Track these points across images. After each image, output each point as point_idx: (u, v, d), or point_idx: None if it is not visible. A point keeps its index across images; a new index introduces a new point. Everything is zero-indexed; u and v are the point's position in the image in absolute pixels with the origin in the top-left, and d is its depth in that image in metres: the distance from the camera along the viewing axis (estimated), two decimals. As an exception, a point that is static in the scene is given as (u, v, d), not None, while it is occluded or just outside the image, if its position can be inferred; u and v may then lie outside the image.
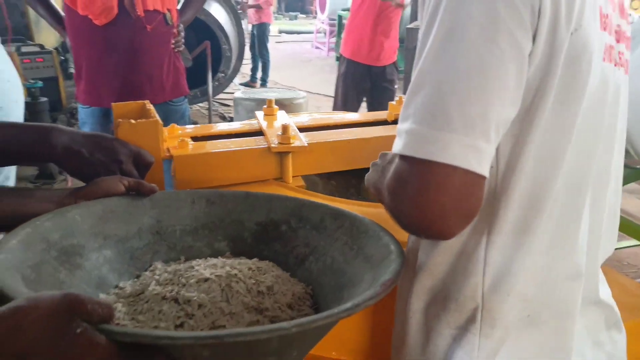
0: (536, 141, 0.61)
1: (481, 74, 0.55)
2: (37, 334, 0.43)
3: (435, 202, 0.56)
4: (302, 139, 1.13)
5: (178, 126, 1.20)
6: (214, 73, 5.00)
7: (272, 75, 7.76)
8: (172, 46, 2.10)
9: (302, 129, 1.24)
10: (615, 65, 0.70)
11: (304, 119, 1.43)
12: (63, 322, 0.44)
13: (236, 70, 5.58)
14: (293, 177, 1.13)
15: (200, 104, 5.44)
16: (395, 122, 1.34)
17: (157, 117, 1.02)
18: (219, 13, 5.02)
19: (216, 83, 5.11)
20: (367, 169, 1.24)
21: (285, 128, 1.10)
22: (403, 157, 0.58)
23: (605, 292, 0.81)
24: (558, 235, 0.66)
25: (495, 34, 0.55)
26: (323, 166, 1.18)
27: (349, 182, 1.37)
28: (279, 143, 1.10)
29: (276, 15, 8.77)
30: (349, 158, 1.19)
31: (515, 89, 0.58)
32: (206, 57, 4.70)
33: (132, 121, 0.98)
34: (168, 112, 2.15)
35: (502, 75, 0.56)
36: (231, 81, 5.70)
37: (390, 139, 1.27)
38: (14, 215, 0.73)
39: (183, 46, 2.17)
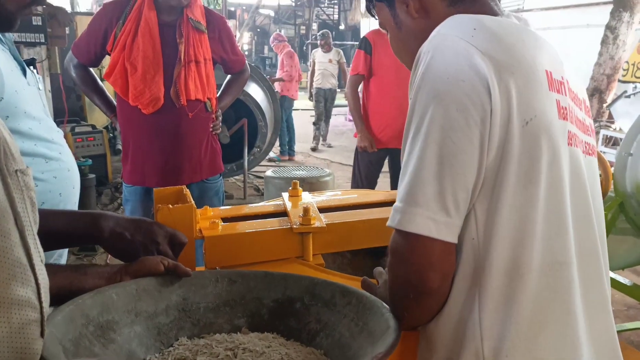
0: (505, 215, 0.73)
1: (438, 164, 0.71)
2: None
3: (412, 261, 0.73)
4: (322, 220, 1.23)
5: (210, 208, 1.33)
6: (250, 148, 5.25)
7: (305, 147, 8.02)
8: (210, 129, 2.30)
9: (323, 210, 1.35)
10: (583, 152, 0.82)
11: (327, 198, 1.54)
12: None
13: (271, 144, 5.84)
14: (313, 255, 1.22)
15: (237, 177, 5.68)
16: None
17: (192, 201, 1.15)
18: (256, 92, 5.35)
19: (252, 157, 5.36)
20: (383, 248, 1.34)
21: (306, 210, 1.21)
22: (394, 229, 0.76)
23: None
24: (544, 305, 0.74)
25: (449, 131, 0.71)
26: (342, 245, 1.27)
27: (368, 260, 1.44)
28: (301, 224, 1.20)
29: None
30: (367, 237, 1.28)
31: (469, 173, 0.72)
32: (243, 133, 4.99)
33: (170, 206, 1.10)
34: (204, 189, 2.32)
35: (455, 163, 0.71)
36: (266, 154, 5.96)
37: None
38: (71, 289, 0.84)
39: (220, 129, 2.37)
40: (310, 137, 8.29)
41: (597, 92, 6.84)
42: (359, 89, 3.46)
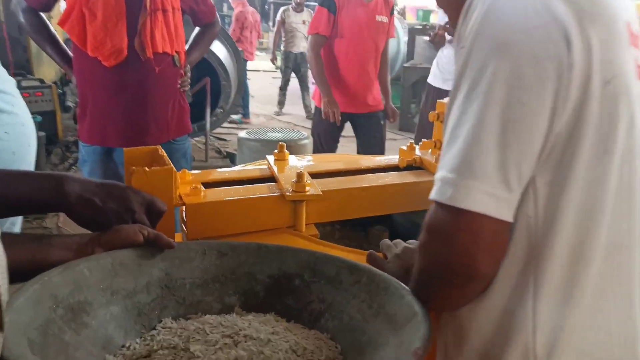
0: (575, 190, 0.62)
1: (501, 128, 0.60)
2: None
3: (460, 241, 0.61)
4: (316, 187, 1.12)
5: (189, 172, 1.19)
6: (213, 108, 5.02)
7: (270, 110, 7.81)
8: (178, 86, 2.11)
9: (314, 175, 1.23)
10: None
11: (315, 163, 1.42)
12: None
13: (235, 105, 5.62)
14: (306, 225, 1.11)
15: (197, 138, 5.45)
16: (406, 168, 1.34)
17: (171, 164, 1.01)
18: (219, 50, 5.09)
19: (214, 118, 5.13)
20: (380, 217, 1.21)
21: (300, 176, 1.09)
22: (436, 202, 0.64)
23: None
24: (608, 293, 0.65)
25: (517, 89, 0.59)
26: (337, 214, 1.17)
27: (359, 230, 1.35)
28: (294, 191, 1.08)
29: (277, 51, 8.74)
30: (363, 206, 1.18)
31: (537, 140, 0.61)
32: (205, 93, 4.74)
33: (147, 169, 0.96)
34: (171, 150, 2.13)
35: (523, 128, 0.60)
36: (229, 116, 5.73)
37: (404, 186, 1.26)
38: (33, 263, 0.71)
39: (189, 86, 2.18)
40: (271, 99, 8.03)
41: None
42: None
